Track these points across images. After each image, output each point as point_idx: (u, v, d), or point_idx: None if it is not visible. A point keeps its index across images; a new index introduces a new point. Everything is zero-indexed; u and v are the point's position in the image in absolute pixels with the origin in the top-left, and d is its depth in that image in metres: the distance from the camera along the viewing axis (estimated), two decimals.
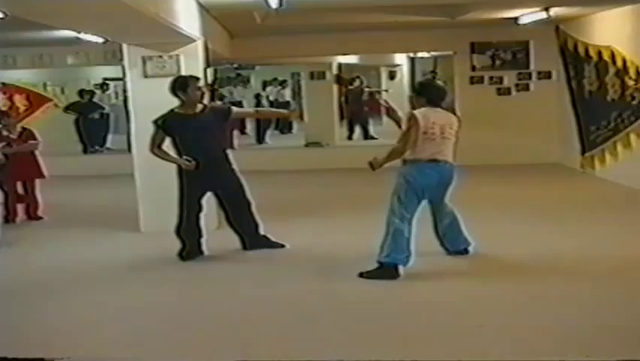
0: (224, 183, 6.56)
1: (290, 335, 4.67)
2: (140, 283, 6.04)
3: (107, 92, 18.29)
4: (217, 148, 6.54)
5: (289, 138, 18.94)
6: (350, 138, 17.72)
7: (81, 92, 16.48)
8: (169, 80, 6.69)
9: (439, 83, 6.83)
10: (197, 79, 6.61)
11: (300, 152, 14.85)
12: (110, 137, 16.39)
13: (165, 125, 6.48)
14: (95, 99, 16.67)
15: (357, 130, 17.78)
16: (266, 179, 11.90)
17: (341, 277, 5.88)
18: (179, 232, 6.54)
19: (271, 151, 15.97)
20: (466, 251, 6.33)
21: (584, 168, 11.47)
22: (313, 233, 7.61)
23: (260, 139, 17.89)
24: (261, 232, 6.73)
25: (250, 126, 20.10)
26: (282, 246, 6.74)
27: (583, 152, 11.55)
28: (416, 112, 5.86)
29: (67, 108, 16.37)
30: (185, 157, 6.40)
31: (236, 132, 17.06)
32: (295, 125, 20.69)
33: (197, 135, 6.37)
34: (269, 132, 18.46)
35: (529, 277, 5.74)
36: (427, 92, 6.05)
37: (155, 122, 6.52)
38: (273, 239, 6.75)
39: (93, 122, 16.13)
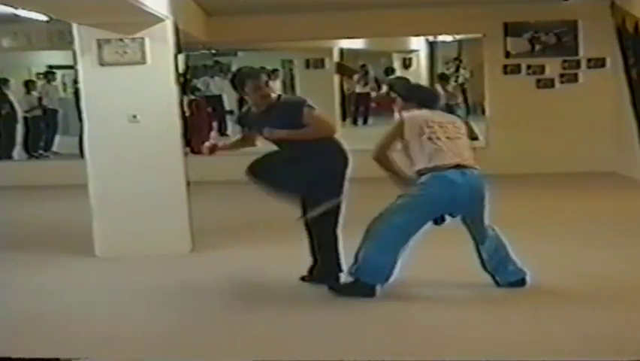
0: None
1: None
2: None
3: (53, 84, 18.30)
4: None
5: None
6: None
7: (27, 84, 16.52)
8: (133, 68, 6.68)
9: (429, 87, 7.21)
10: (257, 76, 6.59)
11: None
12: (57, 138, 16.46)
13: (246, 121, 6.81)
14: (36, 92, 16.70)
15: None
16: (247, 190, 11.89)
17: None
18: None
19: (254, 157, 15.89)
20: (523, 282, 6.37)
21: None
22: None
23: None
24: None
25: (233, 127, 20.07)
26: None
27: None
28: (404, 115, 6.21)
29: None
30: None
31: (213, 134, 17.06)
32: None
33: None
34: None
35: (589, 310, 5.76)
36: (416, 94, 6.47)
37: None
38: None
39: (35, 120, 16.15)
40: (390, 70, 21.23)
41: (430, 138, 6.08)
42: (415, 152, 6.08)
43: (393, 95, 6.56)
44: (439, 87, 17.67)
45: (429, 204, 6.05)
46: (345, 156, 6.42)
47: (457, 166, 6.02)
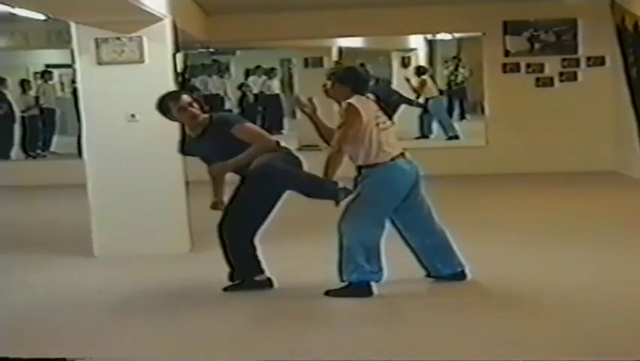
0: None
1: None
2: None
3: (51, 83, 18.26)
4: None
5: (279, 140, 18.87)
6: None
7: (22, 83, 16.50)
8: (131, 67, 6.66)
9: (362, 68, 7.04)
10: (178, 96, 6.40)
11: None
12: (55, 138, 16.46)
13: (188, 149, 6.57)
14: (32, 91, 16.70)
15: None
16: None
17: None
18: None
19: None
20: (462, 275, 6.45)
21: None
22: (310, 257, 7.60)
23: None
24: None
25: None
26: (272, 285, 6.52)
27: None
28: (353, 101, 6.09)
29: None
30: None
31: None
32: (286, 124, 20.72)
33: (211, 158, 6.33)
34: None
35: (578, 315, 5.74)
36: (352, 79, 6.28)
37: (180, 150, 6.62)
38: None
39: (33, 120, 16.14)
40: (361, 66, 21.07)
41: (378, 125, 6.11)
42: (366, 142, 6.07)
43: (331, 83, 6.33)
44: (414, 81, 17.67)
45: (394, 195, 6.14)
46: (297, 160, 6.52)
47: (402, 155, 6.17)
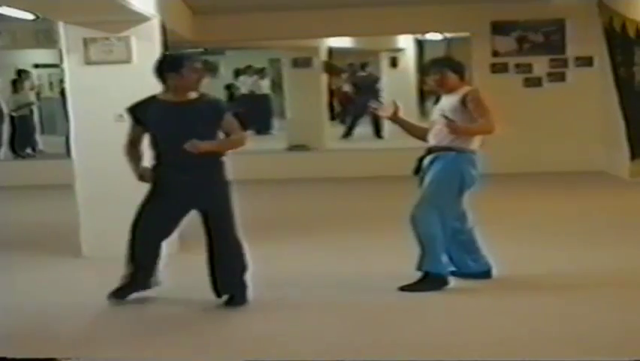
0: (213, 201, 6.20)
1: None
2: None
3: (39, 82, 18.25)
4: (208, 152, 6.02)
5: (267, 140, 18.92)
6: (348, 134, 17.84)
7: (14, 82, 16.46)
8: (119, 67, 6.64)
9: None
10: (194, 58, 6.26)
11: (280, 157, 14.87)
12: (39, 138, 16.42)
13: (142, 114, 6.09)
14: (22, 91, 16.65)
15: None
16: (238, 191, 11.86)
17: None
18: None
19: (244, 156, 15.89)
20: (489, 274, 6.51)
21: (634, 176, 11.50)
22: (298, 258, 7.61)
23: None
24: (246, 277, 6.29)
25: None
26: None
27: (632, 157, 11.58)
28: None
29: None
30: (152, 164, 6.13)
31: None
32: (275, 124, 20.72)
33: (184, 131, 5.90)
34: (248, 133, 18.50)
35: (556, 313, 5.75)
36: (461, 68, 6.44)
37: (131, 110, 6.17)
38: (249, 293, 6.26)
39: (22, 119, 16.12)
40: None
41: None
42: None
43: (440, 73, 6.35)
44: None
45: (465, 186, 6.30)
46: None
47: None
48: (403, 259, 6.48)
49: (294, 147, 15.52)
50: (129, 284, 6.32)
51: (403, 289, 6.24)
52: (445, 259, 6.27)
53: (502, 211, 9.31)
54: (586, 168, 12.46)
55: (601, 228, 8.67)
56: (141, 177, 6.21)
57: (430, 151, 6.31)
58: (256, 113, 20.13)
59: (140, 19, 7.62)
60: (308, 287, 6.60)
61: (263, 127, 20.58)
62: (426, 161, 6.30)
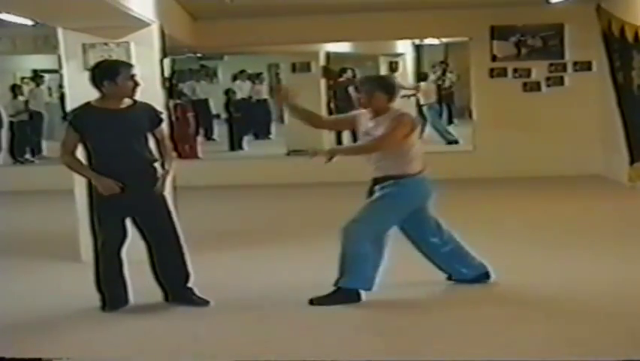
0: (149, 208, 6.22)
1: None
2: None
3: (40, 88, 18.28)
4: (144, 159, 6.15)
5: (266, 145, 18.96)
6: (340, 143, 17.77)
7: (13, 88, 16.49)
8: None
9: None
10: (131, 65, 6.29)
11: (279, 162, 14.84)
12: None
13: (78, 121, 6.08)
14: (22, 97, 16.69)
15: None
16: (235, 196, 11.92)
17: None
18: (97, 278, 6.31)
19: (243, 161, 15.97)
20: (487, 276, 6.52)
21: (633, 181, 11.52)
22: (293, 268, 7.61)
23: (234, 145, 17.98)
24: (190, 284, 6.38)
25: (219, 131, 20.14)
26: (207, 303, 6.29)
27: (632, 161, 11.59)
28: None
29: None
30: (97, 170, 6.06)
31: (200, 138, 17.10)
32: (274, 129, 20.74)
33: (120, 139, 6.00)
34: (246, 138, 18.60)
35: (556, 317, 5.78)
36: (390, 87, 6.27)
37: (68, 117, 6.17)
38: (198, 294, 6.36)
39: (22, 125, 16.14)
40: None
41: (419, 137, 6.29)
42: (404, 150, 6.10)
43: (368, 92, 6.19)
44: (424, 85, 17.91)
45: (409, 208, 6.20)
46: None
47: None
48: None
49: (293, 152, 15.51)
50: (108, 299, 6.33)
51: (312, 302, 6.10)
52: (369, 275, 6.09)
53: (501, 215, 9.33)
54: (584, 173, 12.49)
55: (600, 232, 8.68)
56: (105, 184, 6.05)
57: (375, 181, 6.24)
58: (255, 119, 20.16)
59: (139, 25, 7.63)
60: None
61: (262, 132, 20.63)
62: (377, 188, 6.23)
